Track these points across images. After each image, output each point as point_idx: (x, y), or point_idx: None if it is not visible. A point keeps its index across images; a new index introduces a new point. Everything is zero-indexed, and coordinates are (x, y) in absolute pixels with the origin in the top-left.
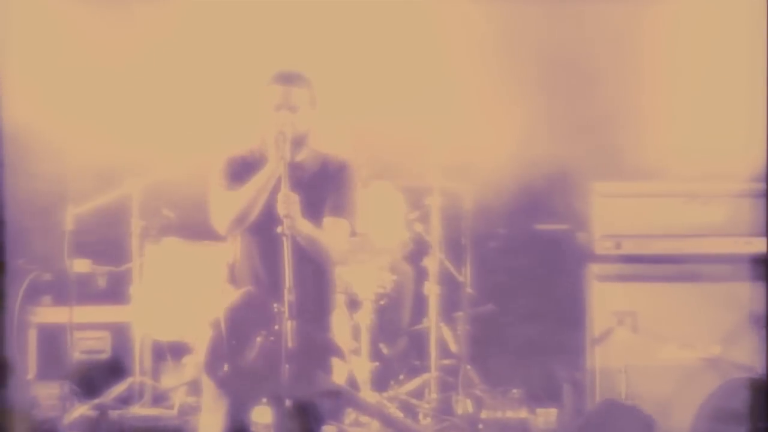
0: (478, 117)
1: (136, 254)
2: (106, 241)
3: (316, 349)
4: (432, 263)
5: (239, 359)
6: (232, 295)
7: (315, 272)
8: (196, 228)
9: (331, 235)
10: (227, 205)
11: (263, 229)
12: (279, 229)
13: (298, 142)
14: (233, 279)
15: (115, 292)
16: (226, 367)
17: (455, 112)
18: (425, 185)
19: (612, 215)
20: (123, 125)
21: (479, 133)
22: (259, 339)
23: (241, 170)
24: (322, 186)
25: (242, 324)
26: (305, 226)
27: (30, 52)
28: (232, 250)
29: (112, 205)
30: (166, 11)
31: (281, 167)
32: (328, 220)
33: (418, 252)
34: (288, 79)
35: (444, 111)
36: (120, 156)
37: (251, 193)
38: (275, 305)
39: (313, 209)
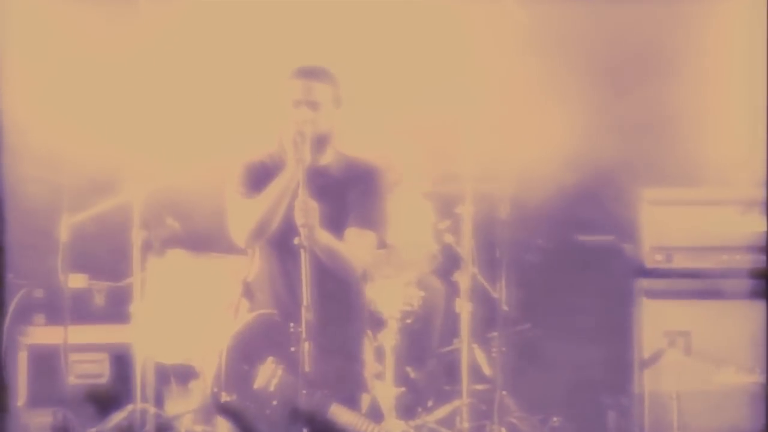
0: (515, 116)
1: (138, 268)
2: (105, 253)
3: (336, 375)
4: (464, 278)
5: (251, 386)
6: (247, 315)
7: (340, 289)
8: (204, 239)
9: (352, 247)
10: (246, 215)
11: (283, 242)
12: (296, 240)
13: (320, 143)
14: (249, 296)
15: (115, 310)
16: (236, 395)
17: (490, 111)
18: (456, 191)
19: (663, 225)
20: (124, 127)
21: (517, 135)
22: (273, 364)
23: (260, 176)
24: (347, 193)
25: (257, 348)
26: (324, 237)
27: (28, 52)
28: (249, 264)
29: (111, 214)
30: (170, 8)
31: (299, 171)
32: (351, 231)
33: (448, 265)
34: (309, 73)
35: (478, 110)
36: (121, 160)
37: (270, 200)
38: (291, 325)
39: (337, 219)
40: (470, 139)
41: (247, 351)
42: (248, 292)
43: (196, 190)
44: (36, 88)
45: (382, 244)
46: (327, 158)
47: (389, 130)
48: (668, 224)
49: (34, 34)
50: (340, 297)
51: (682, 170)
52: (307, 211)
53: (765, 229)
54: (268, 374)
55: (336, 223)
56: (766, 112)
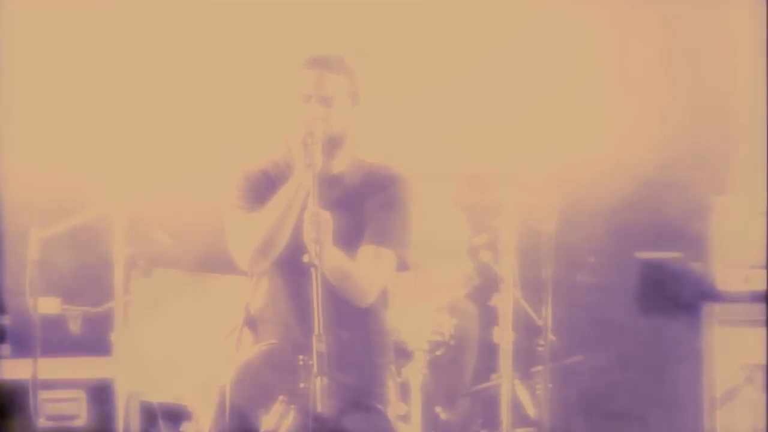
0: (564, 114)
1: (120, 291)
2: (81, 273)
3: (354, 416)
4: (504, 302)
5: (258, 430)
6: (251, 347)
7: (358, 316)
8: (199, 256)
9: (367, 267)
10: (248, 232)
11: (291, 260)
12: (306, 259)
13: (333, 146)
14: (253, 324)
15: (93, 339)
16: None
17: (534, 108)
18: (495, 201)
19: (738, 240)
20: (104, 126)
21: (566, 135)
22: (283, 404)
23: (263, 186)
24: (363, 205)
25: (261, 386)
26: (335, 256)
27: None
28: (252, 286)
29: (89, 228)
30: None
31: (310, 178)
32: (366, 250)
33: (485, 288)
34: (322, 62)
35: (520, 108)
36: (101, 165)
37: (276, 213)
38: (301, 358)
39: (352, 236)
40: (511, 140)
41: (253, 388)
42: (251, 318)
43: (188, 199)
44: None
45: (404, 266)
46: (341, 164)
47: (415, 132)
48: (744, 239)
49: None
50: (357, 325)
51: (760, 176)
52: (320, 225)
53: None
54: (278, 415)
55: (350, 241)
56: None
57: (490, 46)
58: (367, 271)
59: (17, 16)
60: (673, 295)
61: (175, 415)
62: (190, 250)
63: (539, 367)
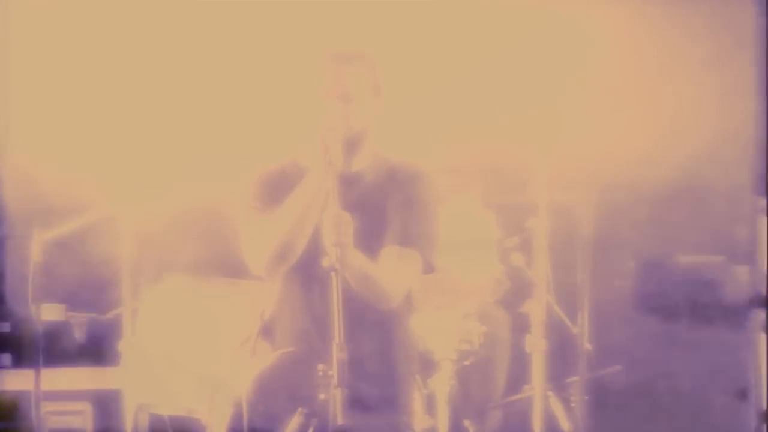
0: (601, 110)
1: (128, 297)
2: (87, 279)
3: (377, 430)
4: (536, 309)
5: None
6: (266, 357)
7: (381, 323)
8: (211, 260)
9: (391, 270)
10: (264, 235)
11: (309, 264)
12: (325, 262)
13: (354, 144)
14: (269, 333)
15: (99, 348)
16: None
17: (569, 102)
18: (527, 201)
19: None
20: (110, 122)
21: (603, 131)
22: (303, 416)
23: (280, 187)
24: (386, 204)
25: (278, 398)
26: (357, 259)
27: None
28: (268, 291)
29: (95, 230)
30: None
31: (330, 177)
32: (389, 251)
33: (516, 293)
34: (342, 57)
35: (554, 101)
36: (106, 164)
37: (294, 215)
38: (321, 368)
39: (374, 237)
40: (545, 136)
41: (270, 400)
42: (267, 326)
43: (200, 199)
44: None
45: (429, 268)
46: (362, 162)
47: (442, 127)
48: None
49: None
50: (380, 333)
51: None
52: (340, 227)
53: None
54: (297, 428)
55: (372, 242)
56: (766, 113)
57: (519, 39)
58: (391, 273)
59: (19, 16)
60: (717, 302)
61: (187, 429)
62: (202, 253)
63: (574, 378)
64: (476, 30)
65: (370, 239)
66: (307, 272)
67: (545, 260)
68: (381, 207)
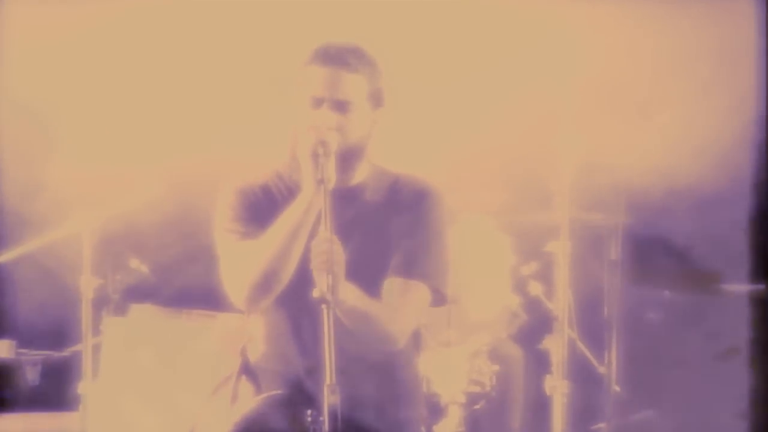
0: (629, 122)
1: (88, 332)
2: (41, 310)
3: None
4: (557, 345)
5: None
6: (249, 401)
7: (380, 361)
8: (184, 289)
9: (394, 307)
10: (245, 262)
11: (296, 295)
12: (315, 293)
13: (349, 158)
14: (251, 373)
15: (55, 391)
16: None
17: (593, 113)
18: (546, 221)
19: None
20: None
21: (631, 145)
22: None
23: (263, 206)
24: (387, 226)
25: None
26: (350, 293)
27: None
28: (249, 326)
29: (50, 253)
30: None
31: (321, 197)
32: (393, 283)
33: (534, 328)
34: (336, 57)
35: (577, 112)
36: (69, 172)
37: (279, 239)
38: (310, 413)
39: (375, 263)
40: (567, 149)
41: None
42: (249, 365)
43: (172, 218)
44: None
45: (440, 300)
46: (359, 175)
47: (451, 139)
48: None
49: None
50: (379, 373)
51: None
52: (332, 255)
53: None
54: None
55: (372, 270)
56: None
57: (538, 46)
58: (393, 311)
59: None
60: (762, 334)
61: None
62: (173, 281)
63: (601, 425)
64: (493, 31)
65: (369, 267)
66: (295, 304)
67: (567, 289)
68: (382, 228)
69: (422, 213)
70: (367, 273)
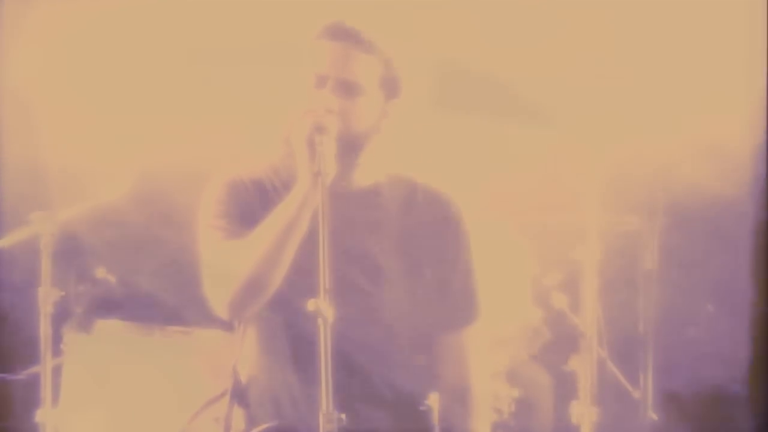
0: (665, 111)
1: (48, 351)
2: None
3: None
4: (585, 367)
5: None
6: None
7: (388, 386)
8: (159, 302)
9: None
10: (230, 264)
11: (294, 307)
12: (310, 306)
13: (353, 149)
14: (241, 397)
15: (9, 421)
16: None
17: (631, 100)
18: (572, 224)
19: None
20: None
21: (669, 139)
22: None
23: (254, 201)
24: (410, 239)
25: None
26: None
27: None
28: (236, 344)
29: (2, 261)
30: None
31: (318, 190)
32: (451, 346)
33: (559, 346)
34: (349, 32)
35: (607, 102)
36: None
37: (269, 239)
38: None
39: (394, 278)
40: (596, 144)
41: None
42: (241, 390)
43: (145, 220)
44: None
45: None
46: (369, 176)
47: (465, 135)
48: None
49: None
50: (385, 399)
51: None
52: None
53: None
54: None
55: (391, 287)
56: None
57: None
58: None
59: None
60: None
61: None
62: (146, 293)
63: None
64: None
65: (386, 282)
66: (291, 316)
67: (596, 303)
68: (397, 241)
69: (451, 231)
70: (383, 287)
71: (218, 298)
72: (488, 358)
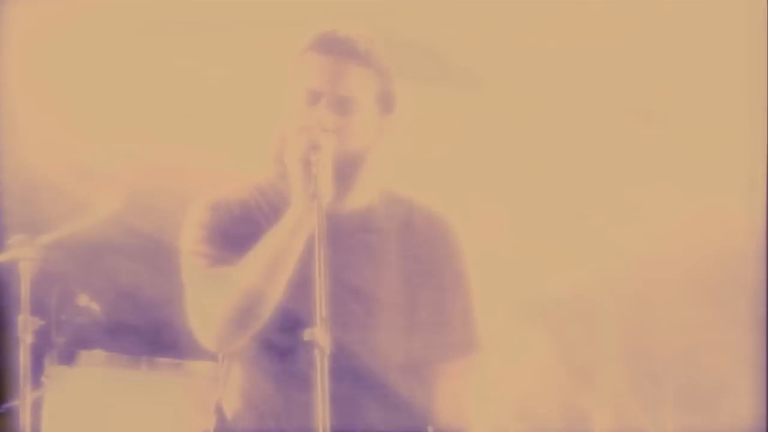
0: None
1: (27, 384)
2: None
3: None
4: (600, 402)
5: None
6: None
7: (389, 420)
8: (144, 332)
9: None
10: (216, 294)
11: (281, 338)
12: (306, 335)
13: (349, 170)
14: None
15: None
16: None
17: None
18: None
19: None
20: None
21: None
22: None
23: (240, 226)
24: (405, 263)
25: None
26: None
27: None
28: (222, 378)
29: None
30: None
31: (313, 214)
32: (451, 376)
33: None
34: (343, 44)
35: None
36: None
37: (259, 266)
38: None
39: (387, 304)
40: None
41: None
42: (227, 425)
43: (130, 244)
44: None
45: (472, 349)
46: (362, 196)
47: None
48: None
49: None
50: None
51: None
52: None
53: None
54: None
55: (384, 314)
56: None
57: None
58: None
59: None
60: None
61: None
62: (131, 322)
63: None
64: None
65: (380, 308)
66: (278, 348)
67: (611, 329)
68: (393, 265)
69: (448, 253)
70: (377, 313)
71: (203, 329)
72: (493, 391)
